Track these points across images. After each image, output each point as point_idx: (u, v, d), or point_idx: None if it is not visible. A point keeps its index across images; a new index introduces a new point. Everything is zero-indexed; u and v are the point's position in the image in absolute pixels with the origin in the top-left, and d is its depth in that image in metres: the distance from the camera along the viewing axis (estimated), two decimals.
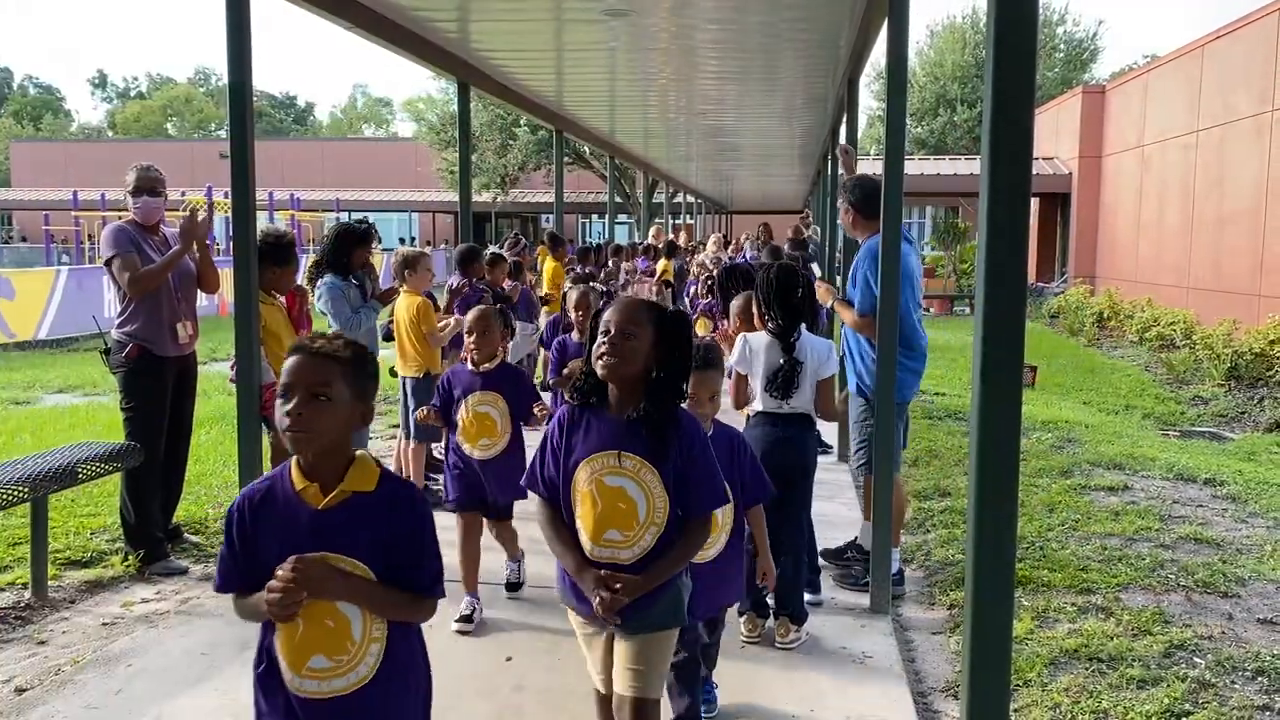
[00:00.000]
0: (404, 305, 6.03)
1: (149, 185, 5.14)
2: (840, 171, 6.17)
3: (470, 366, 4.40)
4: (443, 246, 36.78)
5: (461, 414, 4.35)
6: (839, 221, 5.57)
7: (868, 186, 5.00)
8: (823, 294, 5.19)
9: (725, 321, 5.49)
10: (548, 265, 10.67)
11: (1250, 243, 14.34)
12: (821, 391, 4.22)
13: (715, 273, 9.25)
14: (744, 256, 13.86)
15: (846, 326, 5.09)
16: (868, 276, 4.76)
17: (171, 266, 5.06)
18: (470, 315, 4.41)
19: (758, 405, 4.20)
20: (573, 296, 5.59)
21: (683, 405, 2.62)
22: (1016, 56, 2.19)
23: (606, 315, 2.57)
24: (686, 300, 9.94)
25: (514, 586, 4.70)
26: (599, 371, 2.53)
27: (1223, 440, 9.29)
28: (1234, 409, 10.79)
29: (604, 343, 2.51)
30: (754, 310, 4.37)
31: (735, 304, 4.82)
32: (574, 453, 2.59)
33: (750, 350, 4.19)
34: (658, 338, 2.54)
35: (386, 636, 2.14)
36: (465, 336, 4.37)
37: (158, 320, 5.08)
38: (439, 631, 4.01)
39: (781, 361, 4.10)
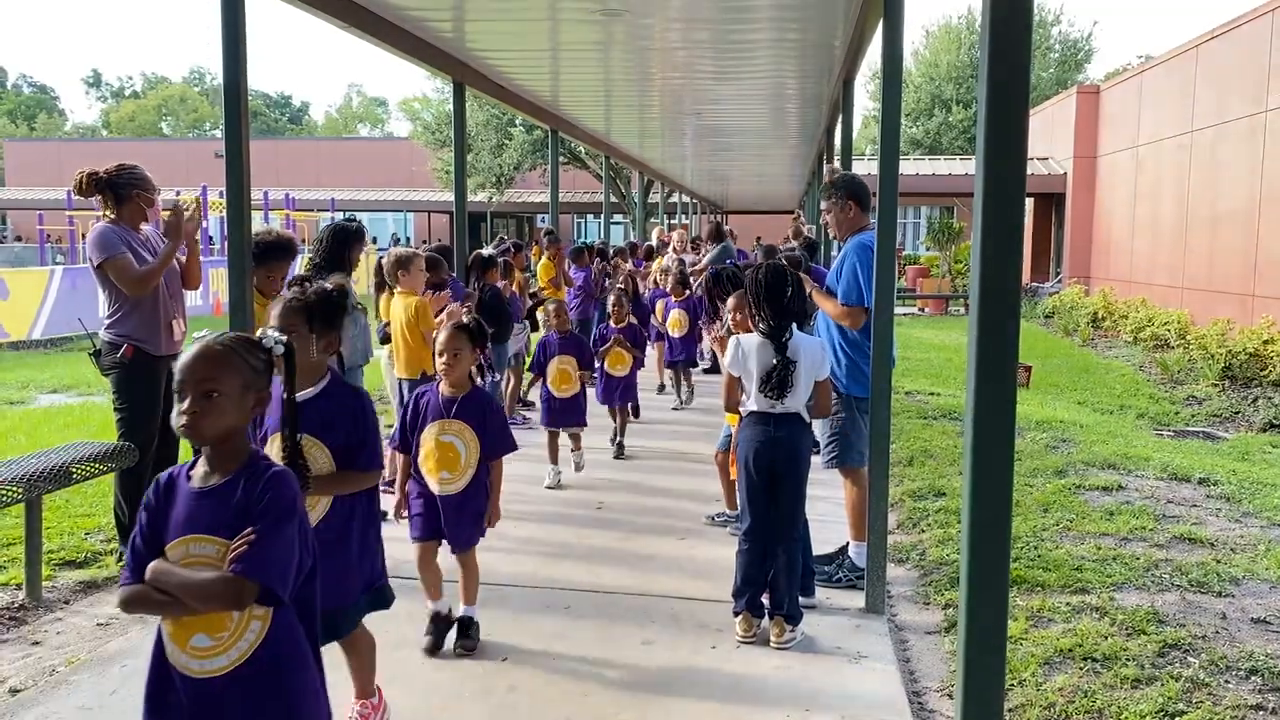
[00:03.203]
0: (400, 306, 5.99)
1: (151, 186, 5.20)
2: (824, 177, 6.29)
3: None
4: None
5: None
6: (822, 221, 5.68)
7: (851, 187, 5.12)
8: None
9: (715, 324, 5.49)
10: (542, 262, 10.74)
11: (1244, 243, 14.37)
12: (820, 391, 4.25)
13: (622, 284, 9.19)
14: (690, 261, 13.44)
15: (820, 320, 5.13)
16: (855, 268, 4.82)
17: (169, 263, 5.08)
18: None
19: (751, 405, 4.20)
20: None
21: None
22: (1010, 57, 2.19)
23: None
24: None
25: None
26: None
27: (1217, 440, 9.31)
28: (1228, 409, 10.81)
29: None
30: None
31: (730, 302, 4.81)
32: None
33: (743, 351, 4.20)
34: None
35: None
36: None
37: (154, 320, 5.08)
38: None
39: (775, 361, 4.10)
